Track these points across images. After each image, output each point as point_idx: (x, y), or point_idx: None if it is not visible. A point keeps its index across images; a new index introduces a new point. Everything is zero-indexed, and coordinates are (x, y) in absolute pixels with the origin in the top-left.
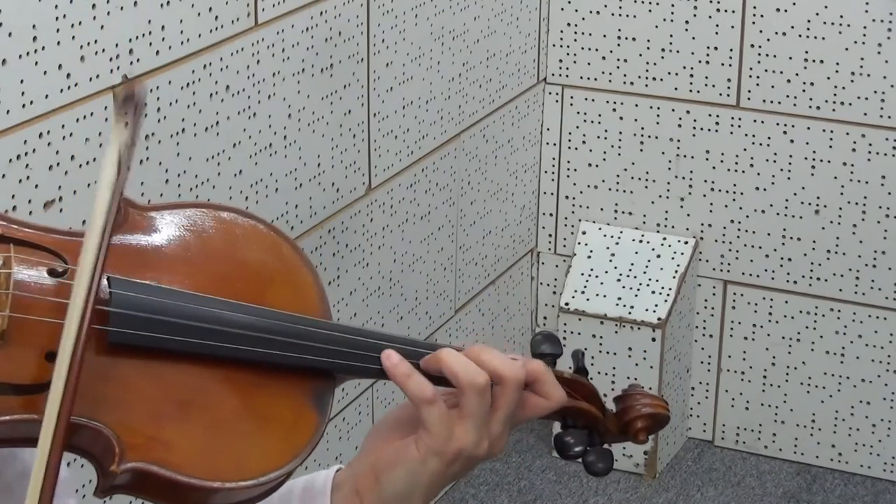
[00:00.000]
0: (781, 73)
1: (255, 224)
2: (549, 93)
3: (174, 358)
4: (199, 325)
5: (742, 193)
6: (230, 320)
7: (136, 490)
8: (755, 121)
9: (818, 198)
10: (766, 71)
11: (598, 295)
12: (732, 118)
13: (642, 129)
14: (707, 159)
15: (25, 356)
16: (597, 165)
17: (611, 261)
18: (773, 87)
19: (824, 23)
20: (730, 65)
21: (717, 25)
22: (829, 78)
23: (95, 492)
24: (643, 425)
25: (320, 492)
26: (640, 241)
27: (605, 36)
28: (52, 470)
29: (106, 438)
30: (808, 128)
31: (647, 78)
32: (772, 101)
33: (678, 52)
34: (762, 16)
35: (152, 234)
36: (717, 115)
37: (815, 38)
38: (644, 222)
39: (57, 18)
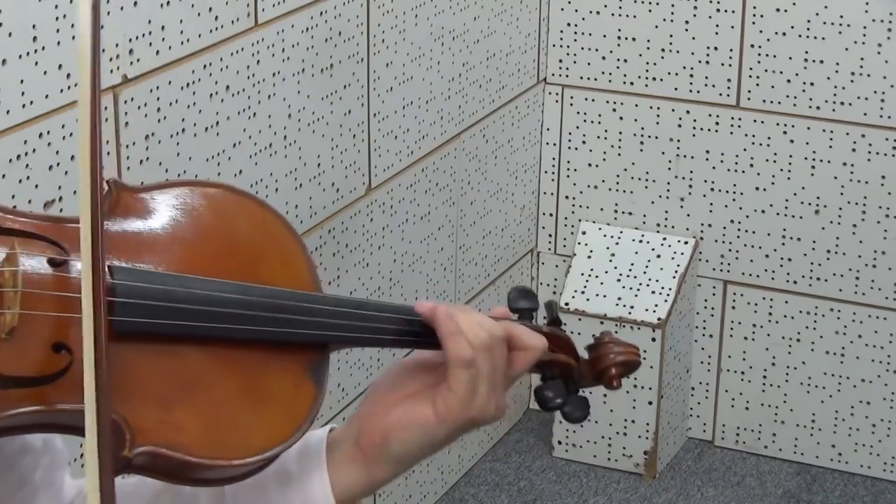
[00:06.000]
0: (781, 73)
1: (243, 199)
2: (549, 93)
3: (176, 341)
4: (201, 308)
5: (742, 193)
6: (230, 301)
7: (148, 470)
8: (755, 121)
9: (818, 198)
10: (766, 71)
11: (598, 295)
12: (732, 118)
13: (642, 129)
14: (707, 159)
15: (34, 349)
16: (597, 165)
17: (611, 261)
18: (773, 87)
19: (824, 23)
20: (730, 65)
21: (717, 25)
22: (829, 78)
23: None
24: (617, 372)
25: (315, 452)
26: (640, 241)
27: (605, 36)
28: (108, 471)
29: (116, 426)
30: (808, 128)
31: (647, 78)
32: (772, 101)
33: (678, 52)
34: (762, 16)
35: (146, 216)
36: (717, 115)
37: (815, 38)
38: (644, 222)
39: (57, 18)
